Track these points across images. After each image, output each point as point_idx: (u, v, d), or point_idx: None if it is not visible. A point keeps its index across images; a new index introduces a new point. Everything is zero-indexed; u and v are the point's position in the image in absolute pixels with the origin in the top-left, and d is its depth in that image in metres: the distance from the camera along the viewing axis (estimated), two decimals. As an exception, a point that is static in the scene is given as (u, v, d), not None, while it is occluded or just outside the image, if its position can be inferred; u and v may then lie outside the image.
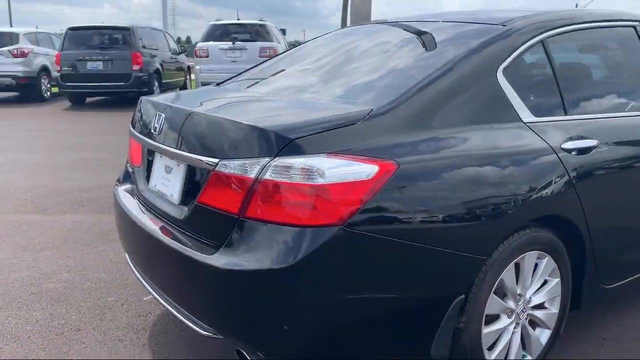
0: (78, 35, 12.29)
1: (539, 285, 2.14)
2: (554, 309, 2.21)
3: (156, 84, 12.59)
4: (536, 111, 2.11)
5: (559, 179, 2.03)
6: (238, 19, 15.21)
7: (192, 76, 14.33)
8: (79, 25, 12.97)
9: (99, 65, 11.92)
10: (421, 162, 1.78)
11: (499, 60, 2.07)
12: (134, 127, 2.45)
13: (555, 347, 2.27)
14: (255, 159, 1.70)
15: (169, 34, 15.22)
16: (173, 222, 2.02)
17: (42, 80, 13.53)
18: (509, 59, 2.10)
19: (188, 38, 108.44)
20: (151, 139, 2.19)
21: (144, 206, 2.26)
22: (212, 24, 13.40)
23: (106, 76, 11.86)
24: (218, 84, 2.87)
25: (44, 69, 13.63)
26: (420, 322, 1.83)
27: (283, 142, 1.68)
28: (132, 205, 2.30)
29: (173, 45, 14.82)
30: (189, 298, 1.95)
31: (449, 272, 1.82)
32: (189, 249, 1.84)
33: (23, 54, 13.07)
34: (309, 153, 1.67)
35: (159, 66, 12.79)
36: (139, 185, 2.36)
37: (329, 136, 1.72)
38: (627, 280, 2.48)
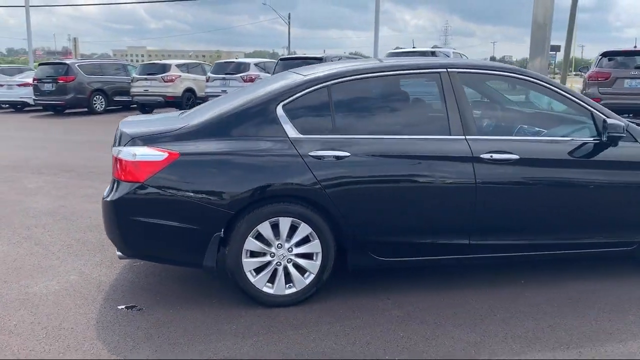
0: (286, 64, 13.36)
1: (297, 241, 3.33)
2: (317, 260, 3.38)
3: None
4: (304, 130, 3.34)
5: (301, 173, 3.23)
6: (413, 47, 16.44)
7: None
8: (287, 56, 15.79)
9: None
10: (199, 154, 3.18)
11: (280, 99, 3.36)
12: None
13: (337, 291, 3.43)
14: (118, 148, 3.25)
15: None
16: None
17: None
18: (289, 98, 3.38)
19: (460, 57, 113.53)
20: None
21: None
22: (390, 52, 15.00)
23: None
24: (181, 113, 4.30)
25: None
26: (194, 243, 3.21)
27: (127, 139, 3.22)
28: None
29: None
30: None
31: (207, 216, 3.17)
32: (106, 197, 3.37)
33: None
34: (136, 145, 3.18)
35: None
36: None
37: (152, 138, 3.22)
38: (402, 259, 3.50)
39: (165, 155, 3.16)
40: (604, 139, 3.51)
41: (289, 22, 52.04)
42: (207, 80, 15.99)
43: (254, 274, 3.32)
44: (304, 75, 3.56)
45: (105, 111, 17.31)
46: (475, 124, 3.50)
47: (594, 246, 3.67)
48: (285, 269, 3.36)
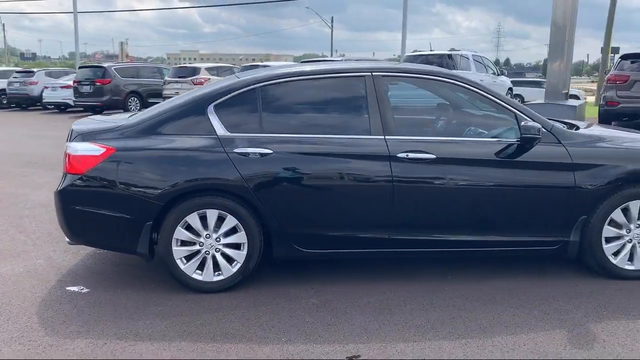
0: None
1: (224, 232, 3.60)
2: (243, 250, 3.64)
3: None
4: (232, 129, 3.61)
5: (227, 169, 3.50)
6: (431, 50, 16.66)
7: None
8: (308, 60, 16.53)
9: None
10: (133, 150, 3.51)
11: (211, 100, 3.65)
12: None
13: (271, 281, 3.68)
14: (67, 143, 3.62)
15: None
16: None
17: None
18: (221, 99, 3.66)
19: (507, 60, 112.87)
20: None
21: None
22: (408, 55, 15.27)
23: None
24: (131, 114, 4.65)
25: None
26: (128, 232, 3.53)
27: (73, 135, 3.58)
28: None
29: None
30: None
31: (139, 207, 3.49)
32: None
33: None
34: (79, 141, 3.54)
35: None
36: None
37: (94, 134, 3.57)
38: (324, 251, 3.72)
39: (103, 150, 3.51)
40: (518, 140, 3.62)
41: (332, 26, 52.55)
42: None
43: (184, 261, 3.60)
44: (238, 78, 3.83)
45: (140, 112, 18.09)
46: (396, 124, 3.67)
47: (515, 244, 3.76)
48: (214, 257, 3.63)
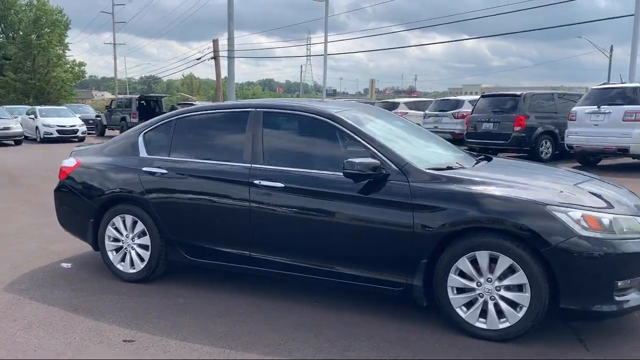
0: (485, 101, 14.46)
1: (137, 233, 4.50)
2: (148, 251, 4.47)
3: (548, 144, 13.51)
4: (150, 152, 4.53)
5: (136, 183, 4.43)
6: (622, 82, 14.93)
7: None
8: (489, 93, 16.00)
9: (490, 126, 13.91)
10: (88, 165, 4.75)
11: (144, 128, 4.64)
12: None
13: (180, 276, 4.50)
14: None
15: None
16: None
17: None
18: (149, 128, 4.63)
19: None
20: None
21: None
22: (592, 88, 14.15)
23: (492, 135, 13.77)
24: None
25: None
26: (81, 225, 4.76)
27: (70, 155, 5.01)
28: None
29: None
30: None
31: (84, 206, 4.68)
32: None
33: (462, 116, 16.29)
34: (71, 157, 4.95)
35: (552, 128, 13.51)
36: None
37: (78, 152, 4.97)
38: (204, 260, 4.29)
39: (74, 163, 4.83)
40: (343, 174, 3.64)
41: (611, 55, 47.22)
42: (424, 117, 16.73)
43: (114, 254, 4.63)
44: (170, 112, 4.75)
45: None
46: (264, 154, 4.06)
47: (361, 280, 3.72)
48: (131, 251, 4.56)
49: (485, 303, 3.41)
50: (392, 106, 18.40)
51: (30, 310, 3.98)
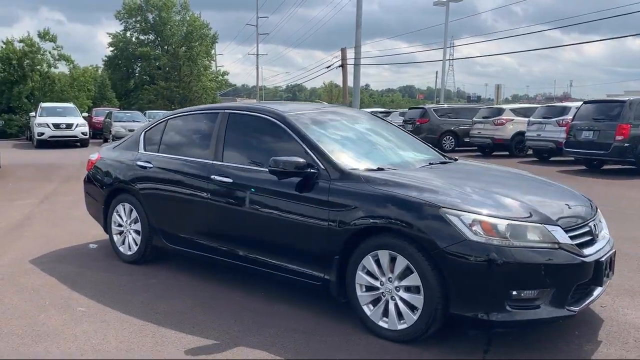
0: (588, 108, 13.54)
1: (132, 219, 5.09)
2: (140, 236, 5.04)
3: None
4: (146, 148, 5.09)
5: (132, 175, 5.02)
6: None
7: None
8: (592, 99, 15.25)
9: (590, 135, 12.85)
10: (106, 158, 5.46)
11: (146, 127, 5.23)
12: None
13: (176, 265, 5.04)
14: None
15: None
16: None
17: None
18: (150, 127, 5.20)
19: None
20: None
21: None
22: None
23: (593, 144, 12.75)
24: None
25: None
26: (98, 209, 5.52)
27: (99, 151, 5.80)
28: None
29: None
30: None
31: (99, 193, 5.40)
32: None
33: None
34: (96, 152, 5.73)
35: None
36: None
37: (105, 147, 5.71)
38: (180, 248, 4.71)
39: (96, 156, 5.58)
40: (269, 170, 3.83)
41: None
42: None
43: (118, 237, 5.27)
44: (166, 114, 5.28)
45: (453, 151, 19.21)
46: (225, 151, 4.39)
47: (286, 271, 3.89)
48: (129, 235, 5.16)
49: (387, 302, 3.42)
50: (498, 112, 17.61)
51: (33, 278, 4.71)
